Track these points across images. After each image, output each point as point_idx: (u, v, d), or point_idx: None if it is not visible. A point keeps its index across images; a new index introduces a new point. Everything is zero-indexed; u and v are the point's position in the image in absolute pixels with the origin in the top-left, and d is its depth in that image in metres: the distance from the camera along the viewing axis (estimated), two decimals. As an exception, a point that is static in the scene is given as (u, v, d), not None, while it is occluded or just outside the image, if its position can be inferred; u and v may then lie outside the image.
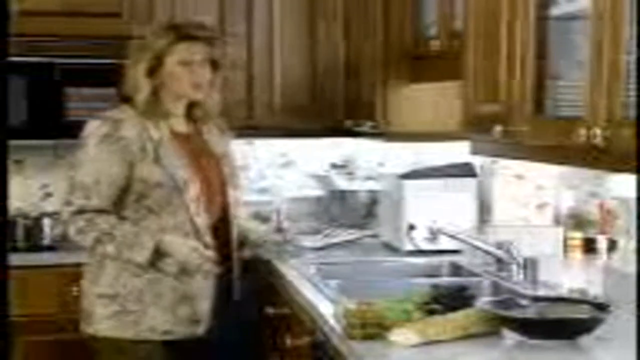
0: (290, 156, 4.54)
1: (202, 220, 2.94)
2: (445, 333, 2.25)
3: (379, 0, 3.61)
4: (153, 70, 2.87)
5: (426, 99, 3.51)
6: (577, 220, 3.05)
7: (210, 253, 2.88)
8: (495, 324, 2.29)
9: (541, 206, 3.29)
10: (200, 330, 2.97)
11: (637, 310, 2.16)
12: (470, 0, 2.49)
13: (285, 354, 3.23)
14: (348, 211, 4.35)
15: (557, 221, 3.23)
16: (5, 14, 2.35)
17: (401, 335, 2.22)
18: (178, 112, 2.98)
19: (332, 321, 2.51)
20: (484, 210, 3.57)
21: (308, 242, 3.97)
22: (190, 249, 2.85)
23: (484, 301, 2.43)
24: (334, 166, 4.48)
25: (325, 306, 2.70)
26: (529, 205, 3.36)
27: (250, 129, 4.18)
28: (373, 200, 4.23)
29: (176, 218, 2.89)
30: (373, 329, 2.26)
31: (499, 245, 3.08)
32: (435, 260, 3.46)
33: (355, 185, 4.38)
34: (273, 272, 3.56)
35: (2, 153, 1.86)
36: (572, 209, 3.11)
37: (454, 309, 2.40)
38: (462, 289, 2.65)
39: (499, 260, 3.04)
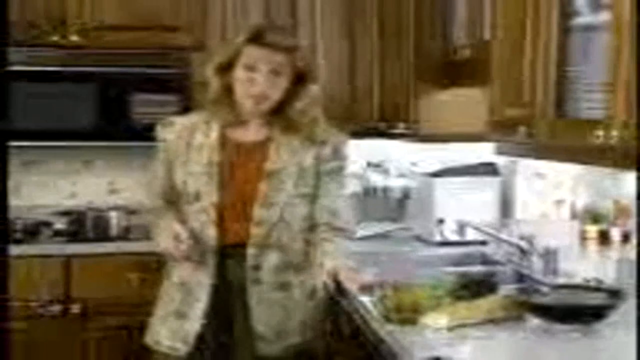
0: (330, 156, 4.49)
1: (210, 235, 2.51)
2: (473, 317, 2.24)
3: (412, 12, 3.59)
4: (224, 69, 2.49)
5: (454, 104, 3.48)
6: (593, 215, 3.00)
7: (183, 247, 2.42)
8: (518, 309, 2.27)
9: (559, 202, 3.25)
10: (182, 351, 2.57)
11: (637, 309, 2.10)
12: (498, 12, 2.46)
13: (325, 334, 3.21)
14: (382, 206, 4.34)
15: (574, 216, 3.19)
16: (5, 25, 2.22)
17: (433, 319, 2.20)
18: (248, 118, 2.55)
19: (370, 306, 2.49)
20: (507, 205, 3.55)
21: (346, 234, 3.96)
22: (169, 234, 2.45)
23: (508, 288, 2.44)
24: (370, 165, 4.46)
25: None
26: (548, 201, 3.33)
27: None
28: (405, 196, 4.22)
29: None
30: (407, 313, 2.24)
31: (521, 237, 3.07)
32: (462, 250, 3.44)
33: (389, 182, 4.36)
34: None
35: (2, 153, 1.79)
36: (588, 205, 3.06)
37: (480, 295, 2.39)
38: (487, 277, 2.65)
39: (521, 251, 3.02)
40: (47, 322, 3.76)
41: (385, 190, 4.34)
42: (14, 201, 4.11)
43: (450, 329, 2.17)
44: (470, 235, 3.42)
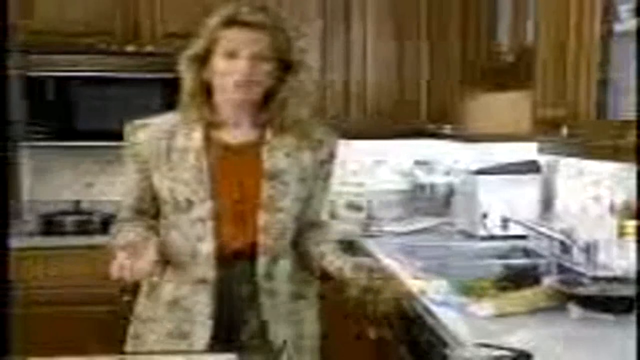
0: (380, 155, 4.53)
1: (207, 247, 2.05)
2: (517, 307, 2.24)
3: (458, 19, 3.58)
4: (199, 61, 2.02)
5: (498, 105, 3.47)
6: (630, 211, 2.97)
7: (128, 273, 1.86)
8: (560, 300, 2.27)
9: (598, 198, 3.20)
10: None
11: (637, 309, 2.07)
12: (542, 19, 2.44)
13: (375, 321, 3.23)
14: (428, 202, 4.35)
15: (612, 211, 3.15)
16: (5, 30, 2.06)
17: (480, 308, 2.20)
18: (231, 116, 2.08)
19: (418, 294, 2.50)
20: (548, 201, 3.52)
21: (394, 227, 3.98)
22: (118, 265, 1.87)
23: (550, 280, 2.42)
24: (417, 163, 4.47)
25: (411, 282, 2.69)
26: (587, 197, 3.29)
27: (347, 131, 4.17)
28: (450, 192, 4.22)
29: (176, 241, 2.10)
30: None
31: (562, 232, 3.05)
32: (505, 244, 3.41)
33: (435, 180, 4.36)
34: (363, 252, 3.57)
35: (2, 154, 1.75)
36: (626, 201, 3.03)
37: (524, 286, 2.39)
38: (530, 269, 2.64)
39: (561, 245, 2.99)
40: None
41: (432, 187, 4.34)
42: (87, 197, 4.21)
43: (495, 317, 2.18)
44: (513, 229, 3.40)
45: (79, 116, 3.86)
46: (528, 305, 2.25)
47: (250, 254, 2.07)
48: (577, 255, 2.90)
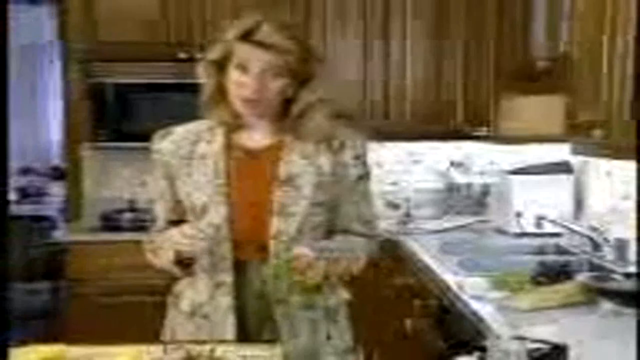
0: (417, 155, 4.51)
1: (225, 251, 1.94)
2: (551, 301, 2.22)
3: (494, 26, 3.56)
4: (217, 68, 1.94)
5: (532, 108, 3.44)
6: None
7: (202, 236, 1.84)
8: (592, 295, 2.24)
9: (627, 196, 3.17)
10: None
11: (637, 308, 2.04)
12: (576, 26, 2.41)
13: (413, 314, 3.22)
14: (464, 201, 4.33)
15: (640, 210, 3.13)
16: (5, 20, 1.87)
17: (516, 302, 2.19)
18: (251, 122, 1.99)
19: (455, 288, 2.49)
20: (579, 200, 3.49)
21: (431, 225, 3.97)
22: (182, 234, 1.86)
23: (582, 276, 2.39)
24: (453, 163, 4.45)
25: (448, 277, 2.69)
26: (616, 196, 3.26)
27: (386, 133, 4.18)
28: (485, 191, 4.21)
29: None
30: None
31: (593, 230, 3.02)
32: (538, 241, 3.37)
33: (470, 180, 4.35)
34: (401, 249, 3.57)
35: (2, 154, 1.72)
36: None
37: (558, 281, 2.37)
38: (564, 265, 2.62)
39: (593, 242, 2.97)
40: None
41: (467, 187, 4.32)
42: (142, 195, 4.26)
43: (530, 311, 2.17)
44: (546, 227, 3.38)
45: (136, 119, 3.91)
46: (561, 300, 2.23)
47: (260, 259, 1.92)
48: (608, 252, 2.87)
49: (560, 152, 3.43)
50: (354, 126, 2.07)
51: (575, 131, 2.45)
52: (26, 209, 6.08)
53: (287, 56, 1.87)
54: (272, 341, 1.88)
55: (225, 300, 1.94)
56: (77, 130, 4.32)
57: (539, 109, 3.39)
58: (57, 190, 6.16)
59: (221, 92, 1.94)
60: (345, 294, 2.11)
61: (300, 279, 1.80)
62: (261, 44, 1.86)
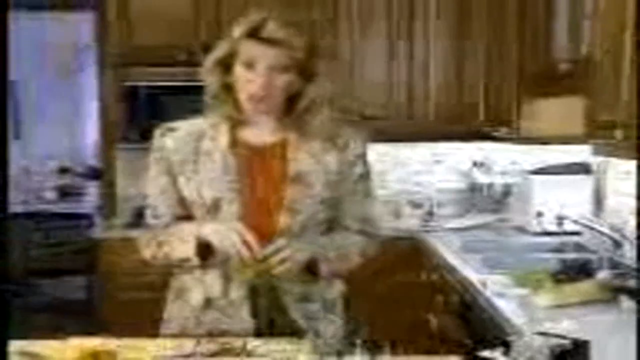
0: (440, 155, 4.49)
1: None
2: (572, 298, 2.20)
3: (515, 27, 3.53)
4: (223, 67, 1.89)
5: (553, 109, 3.40)
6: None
7: (250, 238, 1.76)
8: (613, 293, 2.22)
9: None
10: None
11: (637, 306, 2.01)
12: (598, 30, 2.38)
13: (436, 308, 3.22)
14: (485, 200, 4.30)
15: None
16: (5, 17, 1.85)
17: (537, 299, 2.17)
18: (256, 119, 1.92)
19: (478, 285, 2.48)
20: (599, 200, 3.45)
21: (453, 224, 3.96)
22: (231, 230, 1.79)
23: (603, 274, 2.36)
24: (475, 164, 4.42)
25: (471, 274, 2.67)
26: (635, 195, 3.22)
27: (410, 133, 4.17)
28: (506, 191, 4.18)
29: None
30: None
31: (613, 228, 2.98)
32: (559, 240, 3.35)
33: (491, 179, 4.32)
34: (424, 246, 3.55)
35: (2, 151, 1.66)
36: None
37: (578, 279, 2.35)
38: (584, 263, 2.59)
39: (613, 241, 2.93)
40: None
41: (488, 186, 4.29)
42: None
43: (552, 307, 2.15)
44: (566, 226, 3.36)
45: (167, 120, 3.91)
46: (582, 297, 2.21)
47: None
48: (628, 251, 2.84)
49: (580, 152, 3.41)
50: (355, 125, 2.02)
51: (596, 132, 2.43)
52: (64, 208, 6.13)
53: (293, 52, 1.82)
54: (296, 334, 1.86)
55: (239, 294, 1.89)
56: (111, 132, 4.36)
57: (560, 110, 3.35)
58: (93, 189, 6.21)
59: (226, 91, 1.89)
60: (341, 286, 2.04)
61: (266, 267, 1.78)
62: (267, 41, 1.81)
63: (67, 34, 6.69)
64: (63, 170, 6.90)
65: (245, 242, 1.76)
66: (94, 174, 6.25)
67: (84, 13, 4.75)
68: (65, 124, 7.31)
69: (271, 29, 1.81)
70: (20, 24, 6.62)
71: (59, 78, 7.28)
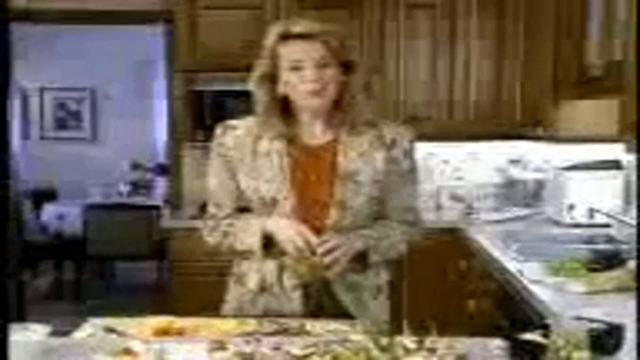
0: (479, 153, 4.44)
1: None
2: (605, 285, 2.15)
3: (551, 32, 3.46)
4: (269, 79, 1.85)
5: (586, 110, 3.33)
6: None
7: (314, 240, 1.78)
8: (643, 280, 2.15)
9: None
10: None
11: (637, 304, 1.93)
12: (630, 30, 2.31)
13: (476, 294, 3.18)
14: (521, 194, 4.24)
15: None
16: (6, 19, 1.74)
17: (571, 286, 2.13)
18: (307, 122, 1.90)
19: (515, 273, 2.44)
20: (629, 194, 3.37)
21: (492, 216, 3.91)
22: (295, 229, 1.80)
23: (633, 263, 2.30)
24: (511, 161, 4.37)
25: (509, 263, 2.63)
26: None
27: (451, 133, 4.14)
28: (540, 186, 4.13)
29: None
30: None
31: (641, 221, 2.91)
32: (590, 231, 3.27)
33: (526, 175, 4.26)
34: (465, 237, 3.51)
35: (2, 147, 1.63)
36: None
37: (611, 268, 2.29)
38: (615, 253, 2.52)
39: (642, 232, 2.86)
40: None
41: (524, 182, 4.24)
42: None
43: (585, 294, 2.10)
44: (597, 218, 3.29)
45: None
46: (615, 284, 2.15)
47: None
48: (657, 242, 2.76)
49: (610, 150, 3.35)
50: (401, 124, 1.98)
51: (627, 131, 2.36)
52: (136, 200, 6.23)
53: (328, 43, 1.79)
54: (349, 316, 1.85)
55: (292, 282, 1.89)
56: (179, 132, 4.40)
57: (594, 111, 3.28)
58: (162, 184, 6.29)
59: (275, 104, 1.86)
60: (388, 274, 2.02)
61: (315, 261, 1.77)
62: (302, 36, 1.79)
63: (141, 45, 6.79)
64: (135, 167, 7.00)
65: (305, 242, 1.77)
66: (163, 170, 6.33)
67: (157, 26, 4.82)
68: (138, 125, 7.42)
69: (300, 25, 1.80)
70: (100, 37, 6.77)
71: (133, 85, 7.39)
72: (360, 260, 1.87)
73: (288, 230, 1.80)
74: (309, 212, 1.85)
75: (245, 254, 1.95)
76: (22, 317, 4.65)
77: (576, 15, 3.08)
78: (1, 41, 1.90)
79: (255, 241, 1.87)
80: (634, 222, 2.95)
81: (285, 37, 1.80)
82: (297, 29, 1.79)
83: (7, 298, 1.60)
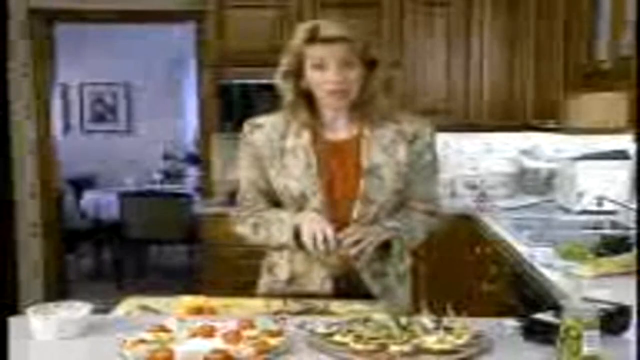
0: (492, 144, 4.41)
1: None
2: (612, 269, 2.13)
3: (561, 31, 3.43)
4: (294, 75, 1.82)
5: (596, 104, 3.29)
6: None
7: (331, 235, 1.74)
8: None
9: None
10: None
11: (637, 305, 1.90)
12: (637, 31, 2.28)
13: (490, 277, 3.17)
14: (532, 183, 4.21)
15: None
16: (5, 17, 1.66)
17: (581, 270, 2.12)
18: (330, 117, 1.87)
19: (527, 257, 2.43)
20: (635, 183, 3.34)
21: (504, 203, 3.90)
22: (319, 226, 1.76)
23: (640, 248, 2.27)
24: (524, 152, 4.34)
25: (520, 247, 2.62)
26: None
27: (467, 125, 4.12)
28: (551, 175, 4.09)
29: None
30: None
31: (648, 208, 2.87)
32: (598, 218, 3.25)
33: (537, 165, 4.23)
34: (479, 223, 3.50)
35: (3, 145, 1.56)
36: None
37: (618, 252, 2.28)
38: (622, 239, 2.49)
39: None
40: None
41: (535, 171, 4.21)
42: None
43: (594, 277, 2.09)
44: (605, 206, 3.25)
45: (257, 114, 3.98)
46: (622, 268, 2.14)
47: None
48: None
49: (618, 141, 3.31)
50: (422, 119, 1.94)
51: (635, 123, 2.33)
52: (168, 188, 6.27)
53: (352, 44, 1.76)
54: (372, 297, 1.85)
55: (320, 274, 1.88)
56: (208, 123, 4.42)
57: (603, 104, 3.24)
58: (193, 173, 6.32)
59: (301, 97, 1.84)
60: (410, 260, 2.00)
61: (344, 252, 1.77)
62: (328, 39, 1.75)
63: (173, 44, 6.83)
64: (167, 157, 7.05)
65: (323, 239, 1.73)
66: (194, 160, 6.37)
67: (187, 24, 4.85)
68: (170, 118, 7.46)
69: (327, 28, 1.76)
70: (135, 35, 6.81)
71: (165, 81, 7.43)
72: (385, 249, 1.86)
73: (312, 226, 1.76)
74: (337, 207, 1.83)
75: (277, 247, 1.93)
76: (65, 296, 4.73)
77: (586, 15, 3.05)
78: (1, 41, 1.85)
79: (288, 237, 1.82)
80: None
81: (312, 38, 1.77)
82: (324, 32, 1.76)
83: (5, 293, 1.59)
